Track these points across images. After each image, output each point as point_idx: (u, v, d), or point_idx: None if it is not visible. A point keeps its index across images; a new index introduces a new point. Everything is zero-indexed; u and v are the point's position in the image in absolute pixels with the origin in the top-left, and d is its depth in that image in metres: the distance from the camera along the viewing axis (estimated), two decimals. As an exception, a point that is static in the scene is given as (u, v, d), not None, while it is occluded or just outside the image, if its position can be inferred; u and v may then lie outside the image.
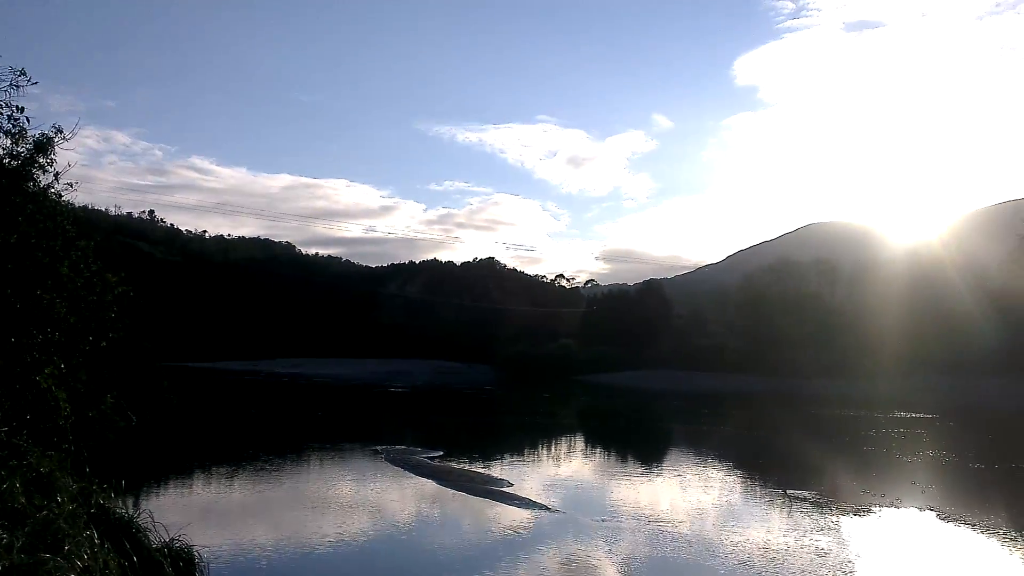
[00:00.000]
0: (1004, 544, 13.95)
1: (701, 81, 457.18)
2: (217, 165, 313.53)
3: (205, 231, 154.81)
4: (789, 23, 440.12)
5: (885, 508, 16.68)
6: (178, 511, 14.27)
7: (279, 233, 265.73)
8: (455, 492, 17.50)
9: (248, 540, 12.90)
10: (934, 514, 16.21)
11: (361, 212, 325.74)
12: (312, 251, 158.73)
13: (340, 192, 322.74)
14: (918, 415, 42.42)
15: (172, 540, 9.09)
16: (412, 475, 19.70)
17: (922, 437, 31.97)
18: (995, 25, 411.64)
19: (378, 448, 24.44)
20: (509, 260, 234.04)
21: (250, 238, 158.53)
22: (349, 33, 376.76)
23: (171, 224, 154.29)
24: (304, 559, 12.00)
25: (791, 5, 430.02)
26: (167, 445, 22.75)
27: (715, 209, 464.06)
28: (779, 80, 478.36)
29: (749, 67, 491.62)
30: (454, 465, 21.69)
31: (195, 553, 9.16)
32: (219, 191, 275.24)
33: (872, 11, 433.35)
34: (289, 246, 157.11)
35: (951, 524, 15.38)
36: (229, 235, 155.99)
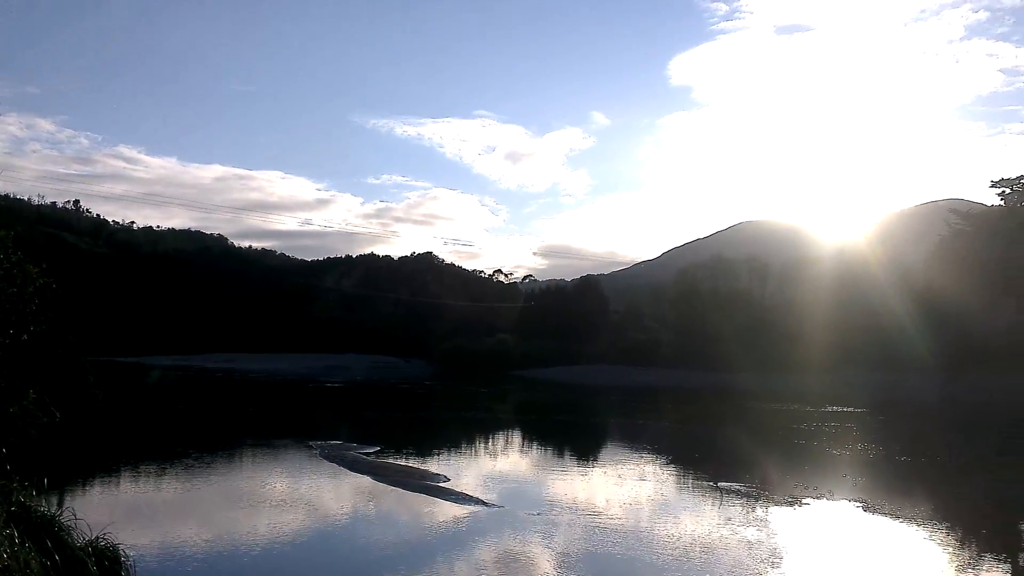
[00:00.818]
0: (924, 533, 14.52)
1: (638, 80, 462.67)
2: (146, 155, 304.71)
3: (133, 222, 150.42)
4: (722, 25, 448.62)
5: (815, 500, 17.17)
6: (104, 509, 13.84)
7: (211, 225, 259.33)
8: (391, 488, 17.39)
9: (177, 539, 12.60)
10: (861, 506, 16.75)
11: (296, 205, 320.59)
12: (245, 244, 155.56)
13: (275, 184, 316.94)
14: (847, 409, 43.74)
15: (97, 538, 8.84)
16: (348, 471, 19.50)
17: (851, 431, 33.00)
18: (919, 31, 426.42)
19: (313, 444, 24.12)
20: (447, 255, 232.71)
21: (180, 230, 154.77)
22: (285, 23, 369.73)
23: (97, 215, 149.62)
24: (236, 557, 11.77)
25: (724, 7, 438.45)
26: (93, 442, 22.07)
27: (651, 206, 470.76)
28: (713, 80, 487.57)
29: (684, 67, 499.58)
30: (390, 461, 21.56)
31: (120, 551, 8.92)
32: (148, 181, 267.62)
33: (802, 14, 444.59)
34: (221, 238, 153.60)
35: (877, 515, 15.90)
36: (158, 227, 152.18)
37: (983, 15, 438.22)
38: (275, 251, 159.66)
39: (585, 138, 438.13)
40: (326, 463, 20.75)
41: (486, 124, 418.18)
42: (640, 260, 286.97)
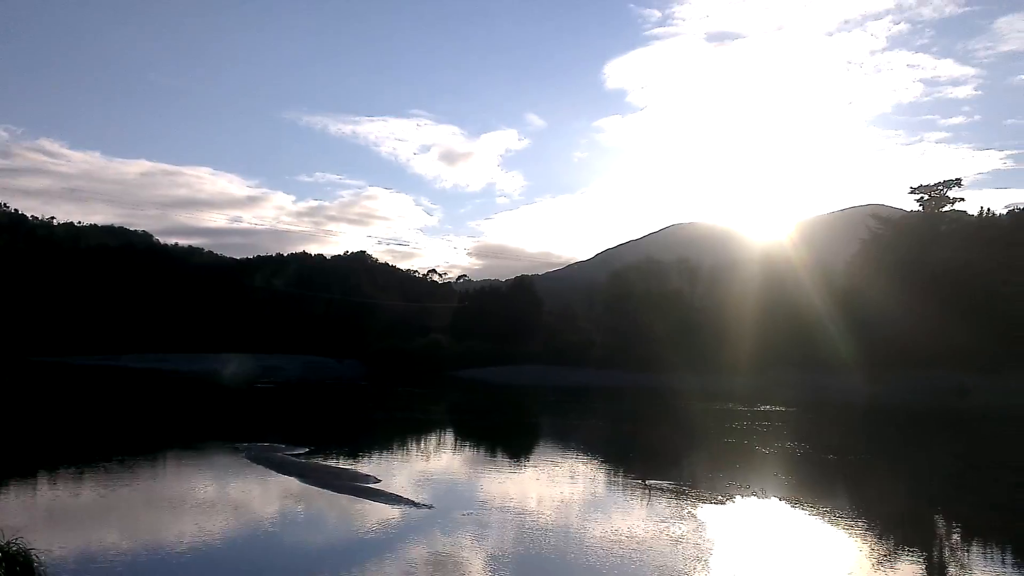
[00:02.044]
0: (847, 529, 15.00)
1: (573, 83, 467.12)
2: (68, 148, 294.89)
3: (53, 218, 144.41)
4: (656, 30, 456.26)
5: (744, 497, 17.56)
6: (17, 514, 13.29)
7: (136, 222, 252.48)
8: (320, 490, 17.12)
9: (94, 544, 12.15)
10: (789, 503, 17.22)
11: (226, 202, 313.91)
12: (172, 241, 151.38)
13: (204, 181, 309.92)
14: (776, 408, 44.85)
15: (8, 543, 8.50)
16: (275, 473, 19.13)
17: (781, 430, 33.82)
18: (844, 41, 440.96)
19: (240, 446, 23.59)
20: (382, 255, 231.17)
21: (103, 226, 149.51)
22: (217, 16, 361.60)
23: (15, 210, 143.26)
24: (156, 562, 11.41)
25: (658, 13, 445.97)
26: (6, 444, 21.16)
27: (585, 208, 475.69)
28: (647, 85, 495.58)
29: (619, 71, 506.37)
30: (320, 462, 21.22)
31: (33, 557, 8.59)
32: (70, 176, 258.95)
33: (732, 23, 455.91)
34: (146, 235, 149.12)
35: (804, 512, 16.38)
36: (80, 222, 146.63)
37: (904, 27, 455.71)
38: (203, 249, 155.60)
39: (521, 139, 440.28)
40: (253, 465, 20.31)
41: (422, 123, 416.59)
42: (574, 261, 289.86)
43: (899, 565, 12.30)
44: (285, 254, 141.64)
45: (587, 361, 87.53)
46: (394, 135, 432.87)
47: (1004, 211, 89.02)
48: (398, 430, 32.46)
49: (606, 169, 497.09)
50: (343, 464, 21.06)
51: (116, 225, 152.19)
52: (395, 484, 17.91)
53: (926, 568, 12.25)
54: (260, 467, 20.00)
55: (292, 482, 18.02)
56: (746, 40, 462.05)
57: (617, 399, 55.39)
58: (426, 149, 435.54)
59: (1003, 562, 12.88)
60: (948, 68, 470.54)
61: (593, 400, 54.94)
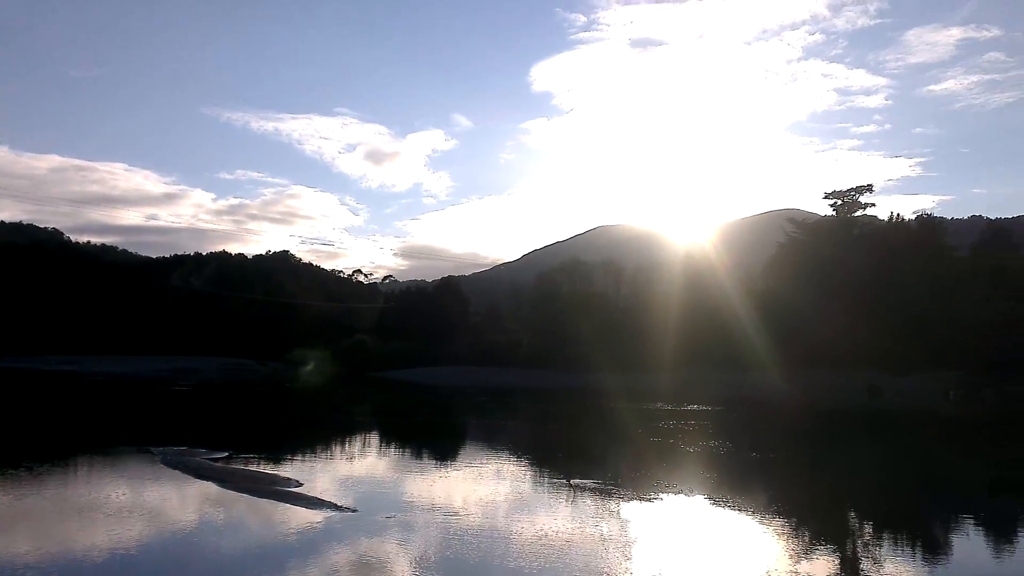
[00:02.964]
0: (767, 524, 15.38)
1: (500, 84, 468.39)
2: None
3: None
4: (581, 35, 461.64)
5: (667, 495, 17.80)
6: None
7: (46, 219, 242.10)
8: (239, 495, 16.61)
9: (1, 555, 11.49)
10: (711, 499, 17.54)
11: (142, 199, 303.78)
12: (84, 239, 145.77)
13: (118, 177, 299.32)
14: (701, 407, 45.69)
15: None
16: (192, 478, 18.49)
17: (706, 428, 34.46)
18: (761, 50, 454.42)
19: (155, 450, 22.73)
20: (305, 254, 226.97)
21: (10, 223, 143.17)
22: (134, 8, 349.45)
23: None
24: (66, 573, 10.85)
25: (583, 18, 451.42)
26: None
27: (512, 209, 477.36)
28: (573, 88, 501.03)
29: (545, 74, 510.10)
30: (239, 466, 20.62)
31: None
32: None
33: (656, 30, 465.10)
34: (56, 232, 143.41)
35: (726, 508, 16.68)
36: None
37: (819, 37, 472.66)
38: (117, 247, 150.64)
39: (447, 140, 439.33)
40: (168, 470, 19.59)
41: (347, 122, 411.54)
42: (501, 262, 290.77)
43: (815, 558, 12.64)
44: (204, 253, 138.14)
45: (513, 361, 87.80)
46: (319, 133, 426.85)
47: (913, 217, 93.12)
48: (321, 433, 31.86)
49: (533, 171, 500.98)
50: (264, 468, 20.51)
51: (24, 222, 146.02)
52: (318, 487, 17.53)
53: (840, 561, 12.61)
54: (176, 472, 19.31)
55: (210, 487, 17.45)
56: (669, 47, 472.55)
57: (543, 399, 55.63)
58: (352, 148, 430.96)
59: (912, 555, 13.37)
60: (860, 78, 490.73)
61: (519, 400, 55.04)
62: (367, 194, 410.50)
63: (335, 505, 15.46)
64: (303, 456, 24.29)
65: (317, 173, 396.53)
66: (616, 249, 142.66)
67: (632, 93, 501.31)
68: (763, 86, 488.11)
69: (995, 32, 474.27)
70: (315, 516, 14.56)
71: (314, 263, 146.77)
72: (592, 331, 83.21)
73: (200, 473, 19.03)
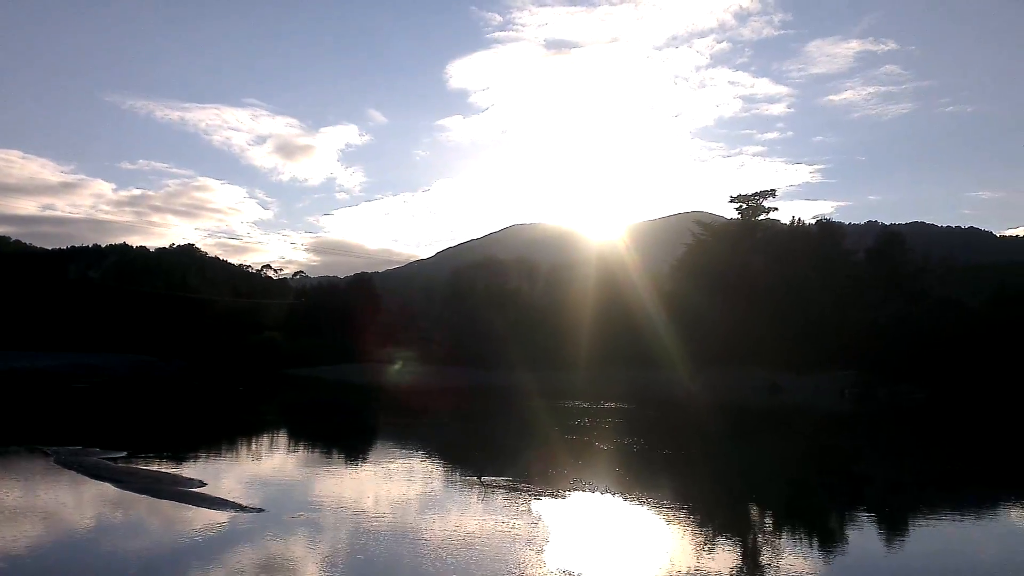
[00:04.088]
0: (674, 518, 15.75)
1: (415, 81, 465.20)
2: None
3: None
4: (497, 34, 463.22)
5: (579, 492, 17.99)
6: None
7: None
8: (138, 496, 15.97)
9: None
10: (622, 495, 17.83)
11: (38, 188, 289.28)
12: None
13: (13, 164, 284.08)
14: (615, 405, 46.31)
15: None
16: (87, 479, 17.68)
17: (619, 426, 34.98)
18: (671, 56, 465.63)
19: (48, 450, 21.65)
20: (212, 248, 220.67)
21: None
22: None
23: None
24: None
25: (499, 18, 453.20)
26: None
27: (427, 206, 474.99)
28: (489, 87, 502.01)
29: (461, 72, 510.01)
30: (139, 466, 19.84)
31: None
32: None
33: (570, 32, 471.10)
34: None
35: (636, 503, 17.03)
36: None
37: (726, 46, 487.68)
38: (10, 238, 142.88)
39: (362, 135, 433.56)
40: (63, 470, 18.69)
41: (257, 113, 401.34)
42: (415, 259, 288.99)
43: (719, 550, 13.02)
44: (104, 245, 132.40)
45: (427, 359, 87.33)
46: (227, 124, 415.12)
47: (813, 221, 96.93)
48: (227, 431, 30.97)
49: (448, 168, 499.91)
50: (165, 468, 19.79)
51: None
52: (222, 487, 17.03)
53: (742, 552, 13.03)
54: (71, 472, 18.44)
55: (107, 488, 16.72)
56: (583, 50, 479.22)
57: (456, 397, 55.52)
58: (262, 140, 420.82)
59: (810, 545, 13.93)
60: (764, 87, 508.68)
61: (431, 398, 54.79)
62: (278, 188, 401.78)
63: (240, 505, 15.04)
64: (207, 456, 23.56)
65: (225, 165, 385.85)
66: (531, 248, 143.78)
67: (547, 94, 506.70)
68: (673, 91, 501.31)
69: (892, 46, 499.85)
70: (219, 517, 14.13)
71: (221, 257, 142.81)
72: (506, 329, 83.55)
73: (97, 473, 18.22)
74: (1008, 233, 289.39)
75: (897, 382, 65.09)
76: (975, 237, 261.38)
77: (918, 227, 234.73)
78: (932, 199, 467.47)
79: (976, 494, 19.99)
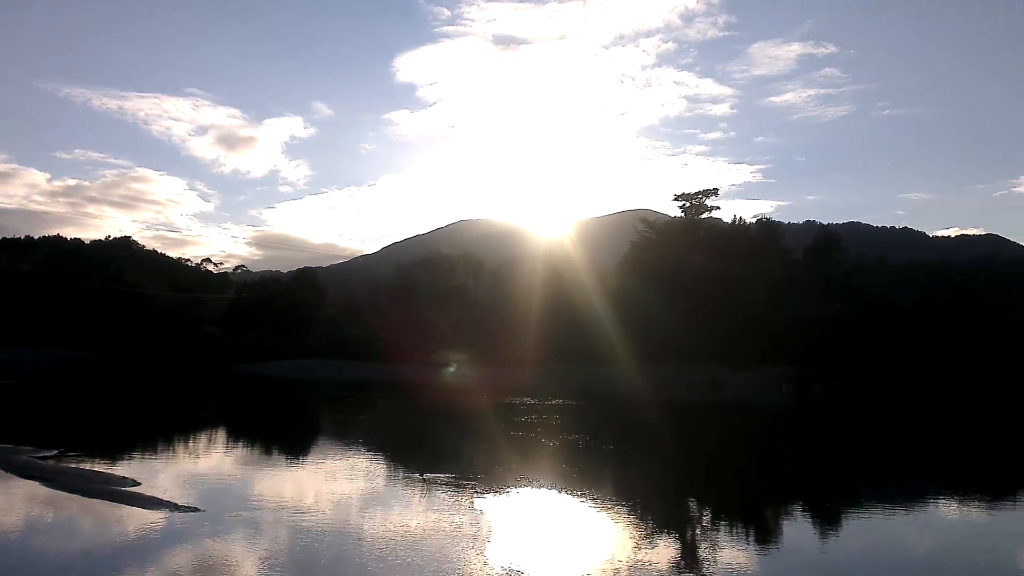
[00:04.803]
0: (617, 514, 15.94)
1: (362, 73, 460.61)
2: None
3: None
4: (445, 28, 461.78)
5: (523, 488, 18.02)
6: None
7: None
8: (68, 495, 15.48)
9: None
10: (567, 491, 17.94)
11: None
12: None
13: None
14: (562, 401, 46.51)
15: None
16: (14, 477, 17.08)
17: (567, 422, 35.16)
18: (618, 55, 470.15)
19: (-28, 450, 20.84)
20: (150, 241, 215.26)
21: None
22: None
23: None
24: None
25: (447, 12, 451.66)
26: None
27: (373, 201, 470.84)
28: (437, 81, 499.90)
29: (409, 65, 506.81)
30: (70, 465, 19.23)
31: None
32: None
33: (518, 28, 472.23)
34: None
35: (580, 499, 17.10)
36: None
37: (672, 46, 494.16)
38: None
39: (307, 127, 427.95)
40: (-13, 471, 18.02)
41: (198, 103, 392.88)
42: (360, 254, 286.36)
43: (659, 545, 13.21)
44: (36, 237, 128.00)
45: (371, 355, 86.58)
46: (167, 114, 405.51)
47: (753, 220, 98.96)
48: (163, 429, 30.24)
49: (395, 162, 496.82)
50: (97, 466, 19.22)
51: None
52: (157, 486, 16.61)
53: (681, 546, 13.23)
54: (-4, 472, 17.79)
55: (35, 487, 16.17)
56: (531, 46, 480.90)
57: (401, 393, 55.21)
58: (203, 131, 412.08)
59: (747, 539, 14.21)
60: (708, 87, 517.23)
61: (376, 394, 54.40)
62: (219, 180, 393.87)
63: (175, 505, 14.68)
64: (142, 454, 22.97)
65: (164, 156, 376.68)
66: (477, 243, 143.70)
67: (495, 89, 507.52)
68: (619, 90, 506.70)
69: (831, 49, 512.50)
70: (153, 516, 13.78)
71: (159, 251, 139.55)
72: (452, 325, 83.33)
73: (24, 472, 17.61)
74: (940, 233, 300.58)
75: (832, 378, 66.92)
76: (909, 237, 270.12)
77: (854, 227, 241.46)
78: (868, 200, 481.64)
79: (904, 487, 20.67)
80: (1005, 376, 64.05)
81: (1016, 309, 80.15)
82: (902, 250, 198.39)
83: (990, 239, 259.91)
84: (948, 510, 17.73)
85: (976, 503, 18.44)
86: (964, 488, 20.35)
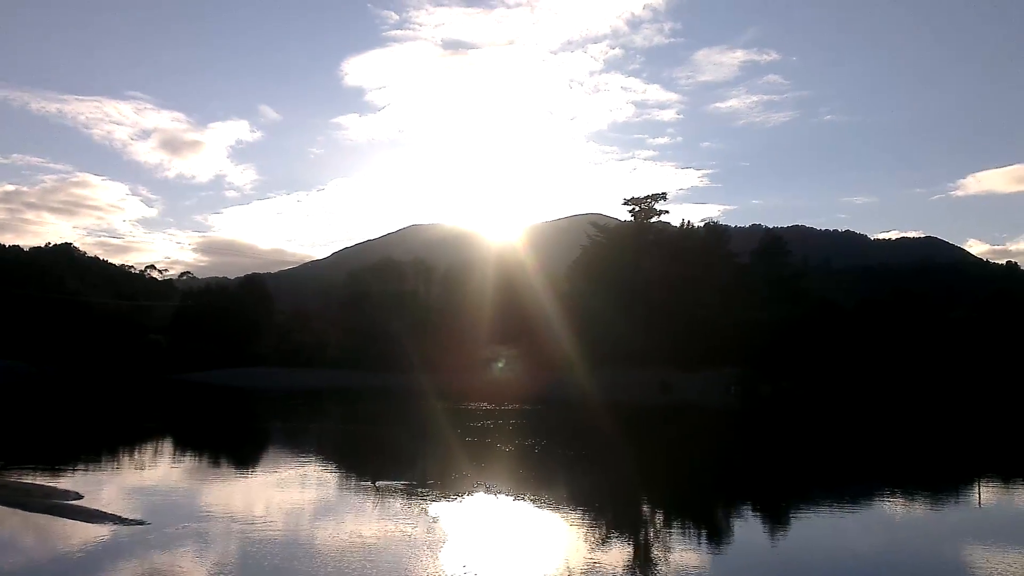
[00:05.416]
0: (571, 518, 16.01)
1: (310, 77, 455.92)
2: None
3: None
4: (394, 32, 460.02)
5: (477, 494, 17.97)
6: None
7: None
8: (8, 509, 14.97)
9: None
10: (521, 497, 17.93)
11: None
12: None
13: None
14: (521, 406, 46.45)
15: None
16: (-50, 495, 16.47)
17: (523, 427, 35.16)
18: (566, 60, 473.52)
19: (-97, 466, 20.05)
20: (92, 248, 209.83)
21: None
22: None
23: None
24: None
25: (395, 16, 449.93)
26: None
27: (322, 206, 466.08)
28: (386, 85, 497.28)
29: (357, 69, 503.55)
30: (9, 479, 18.62)
31: None
32: None
33: (467, 33, 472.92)
34: None
35: (535, 504, 17.14)
36: None
37: (619, 52, 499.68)
38: None
39: (253, 131, 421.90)
40: (-80, 488, 17.33)
41: (141, 107, 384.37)
42: (309, 260, 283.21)
43: (613, 548, 13.31)
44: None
45: (322, 362, 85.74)
46: (109, 117, 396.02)
47: (701, 224, 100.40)
48: (106, 440, 29.45)
49: (345, 167, 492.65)
50: (39, 480, 18.65)
51: None
52: (102, 499, 16.18)
53: (634, 549, 13.35)
54: (-71, 489, 17.12)
55: (-29, 504, 15.61)
56: (480, 51, 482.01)
57: (353, 401, 54.70)
58: (146, 135, 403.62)
59: (698, 539, 14.41)
60: (656, 93, 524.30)
61: (327, 402, 53.80)
62: (163, 185, 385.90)
63: (120, 518, 14.31)
64: (85, 466, 22.33)
65: (106, 161, 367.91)
66: (429, 248, 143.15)
67: (445, 94, 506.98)
68: (568, 95, 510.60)
69: (774, 56, 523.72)
70: (97, 531, 13.41)
71: (101, 257, 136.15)
72: (404, 331, 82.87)
73: (-40, 489, 16.99)
74: (881, 236, 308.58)
75: (779, 379, 68.20)
76: (851, 240, 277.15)
77: (798, 230, 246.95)
78: (811, 204, 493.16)
79: (848, 486, 21.16)
80: (946, 375, 66.00)
81: (955, 309, 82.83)
82: (845, 252, 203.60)
83: (929, 242, 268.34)
84: (891, 507, 18.19)
85: (917, 500, 18.95)
86: (905, 485, 20.90)
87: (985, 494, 19.61)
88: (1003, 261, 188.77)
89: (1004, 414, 45.48)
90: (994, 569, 11.69)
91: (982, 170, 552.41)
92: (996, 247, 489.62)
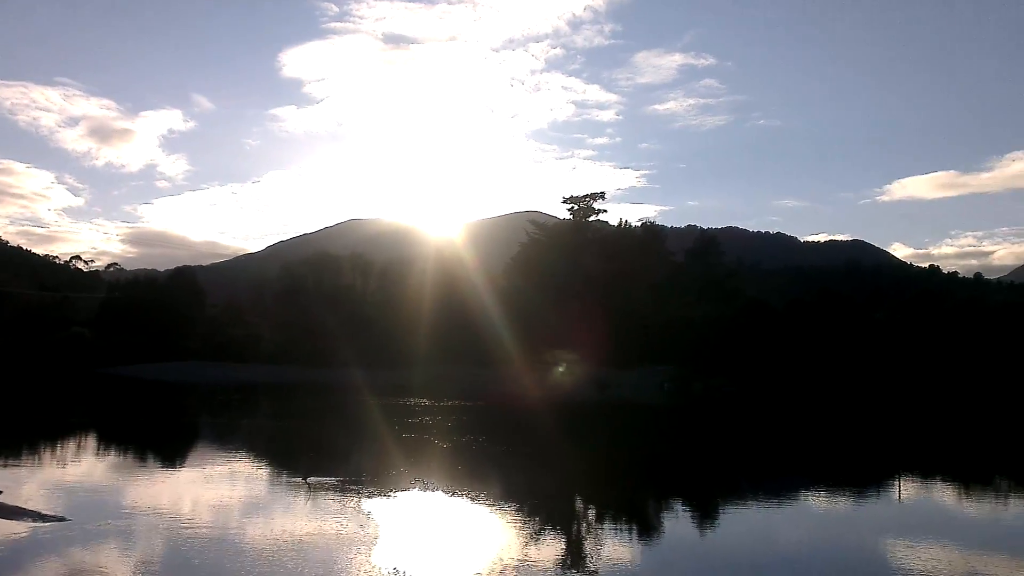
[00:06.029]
0: (505, 513, 16.06)
1: (246, 67, 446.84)
2: None
3: None
4: (333, 25, 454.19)
5: (412, 490, 17.92)
6: None
7: None
8: (-83, 509, 14.36)
9: None
10: (456, 492, 17.92)
11: None
12: None
13: None
14: (460, 403, 46.30)
15: None
16: None
17: (463, 423, 35.06)
18: (507, 58, 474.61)
19: None
20: (14, 237, 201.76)
21: None
22: None
23: None
24: None
25: (335, 8, 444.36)
26: None
27: (257, 198, 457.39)
28: (324, 78, 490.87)
29: (295, 60, 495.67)
30: (-81, 477, 17.85)
31: None
32: None
33: (408, 27, 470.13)
34: None
35: (470, 500, 17.13)
36: None
37: (560, 52, 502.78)
38: None
39: (186, 120, 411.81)
40: None
41: (69, 93, 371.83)
42: (243, 252, 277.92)
43: (545, 542, 13.46)
44: None
45: (255, 356, 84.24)
46: (35, 103, 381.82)
47: (638, 224, 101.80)
48: (27, 435, 28.43)
49: (281, 159, 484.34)
50: (-49, 478, 17.92)
51: None
52: (22, 495, 15.64)
53: (567, 543, 13.51)
54: None
55: None
56: (421, 46, 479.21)
57: (286, 395, 53.90)
58: (74, 122, 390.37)
59: (630, 534, 14.67)
60: (595, 93, 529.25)
61: (258, 397, 52.92)
62: (91, 173, 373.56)
63: (40, 514, 13.86)
64: (4, 461, 21.55)
65: (31, 148, 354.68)
66: (368, 243, 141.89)
67: (385, 88, 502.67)
68: (509, 93, 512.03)
69: (711, 60, 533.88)
70: (16, 527, 12.97)
71: (24, 247, 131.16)
72: (340, 326, 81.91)
73: None
74: (810, 239, 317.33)
75: (711, 376, 69.62)
76: (782, 242, 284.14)
77: (731, 231, 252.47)
78: (744, 206, 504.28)
79: (776, 481, 21.78)
80: (869, 373, 68.28)
81: (879, 310, 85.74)
82: (775, 254, 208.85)
83: (856, 244, 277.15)
84: (815, 501, 18.78)
85: (840, 495, 19.58)
86: (829, 480, 21.57)
87: (905, 490, 20.36)
88: (926, 264, 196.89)
89: (924, 411, 47.27)
90: (913, 561, 12.18)
91: (907, 176, 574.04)
92: (919, 251, 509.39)
